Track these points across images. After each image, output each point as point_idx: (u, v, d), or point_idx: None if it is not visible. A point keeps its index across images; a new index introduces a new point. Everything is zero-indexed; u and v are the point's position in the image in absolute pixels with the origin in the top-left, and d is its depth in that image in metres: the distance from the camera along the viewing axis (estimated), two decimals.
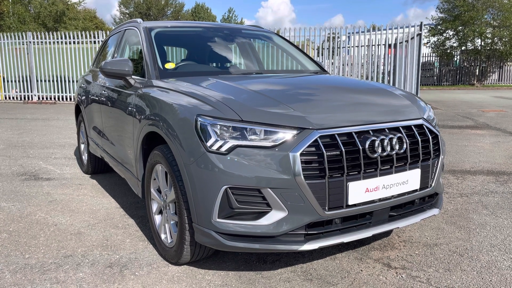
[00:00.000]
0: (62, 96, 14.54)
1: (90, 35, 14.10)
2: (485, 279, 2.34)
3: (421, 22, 12.48)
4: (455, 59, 27.91)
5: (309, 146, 2.03)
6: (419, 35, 12.46)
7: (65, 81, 14.43)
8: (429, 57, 28.14)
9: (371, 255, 2.63)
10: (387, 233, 2.94)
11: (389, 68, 12.90)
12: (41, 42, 14.37)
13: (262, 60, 4.66)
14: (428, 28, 27.08)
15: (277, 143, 2.05)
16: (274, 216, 2.07)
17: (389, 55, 12.81)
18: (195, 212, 2.19)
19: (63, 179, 4.52)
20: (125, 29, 3.97)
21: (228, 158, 2.06)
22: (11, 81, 14.80)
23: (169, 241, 2.55)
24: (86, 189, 4.16)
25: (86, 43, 14.14)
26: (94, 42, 14.07)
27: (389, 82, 12.75)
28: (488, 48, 25.87)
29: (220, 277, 2.38)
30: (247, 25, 4.48)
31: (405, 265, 2.50)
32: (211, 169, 2.08)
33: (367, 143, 2.12)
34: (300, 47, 5.42)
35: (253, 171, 2.03)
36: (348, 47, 13.48)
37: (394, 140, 2.20)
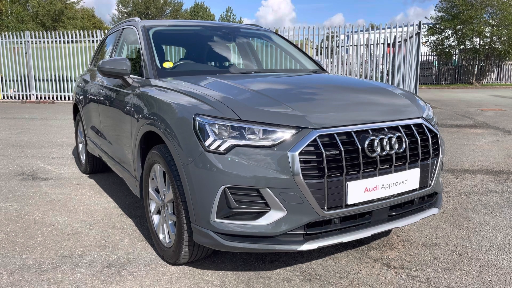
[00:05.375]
0: (60, 96, 14.52)
1: (88, 34, 14.08)
2: (485, 279, 2.33)
3: (420, 21, 12.48)
4: (454, 58, 27.92)
5: (308, 145, 2.02)
6: (418, 34, 12.45)
7: (63, 80, 14.41)
8: (428, 56, 28.14)
9: (370, 255, 2.62)
10: (386, 233, 2.93)
11: (387, 67, 12.90)
12: (39, 41, 14.34)
13: (261, 59, 4.64)
14: (427, 27, 27.08)
15: (275, 143, 2.04)
16: (273, 216, 2.05)
17: (388, 54, 12.81)
18: (193, 212, 2.17)
19: (61, 179, 4.50)
20: (123, 28, 3.95)
21: (227, 157, 2.05)
22: (9, 81, 14.77)
23: (167, 241, 2.54)
24: (84, 189, 4.14)
25: (84, 42, 14.13)
26: (93, 41, 14.06)
27: (387, 81, 12.75)
28: (486, 47, 25.88)
29: (218, 277, 2.37)
30: (245, 24, 4.47)
31: (405, 265, 2.49)
32: (209, 168, 2.07)
33: (366, 142, 2.11)
34: (299, 46, 5.40)
35: (251, 170, 2.02)
36: (347, 46, 13.47)
37: (393, 140, 2.19)
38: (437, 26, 26.92)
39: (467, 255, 2.61)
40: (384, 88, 2.87)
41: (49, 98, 14.63)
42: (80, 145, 4.92)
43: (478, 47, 26.03)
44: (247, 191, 2.04)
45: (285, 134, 2.05)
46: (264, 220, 2.06)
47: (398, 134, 2.23)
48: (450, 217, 3.27)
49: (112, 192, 4.02)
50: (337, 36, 13.14)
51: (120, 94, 3.29)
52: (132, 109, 2.92)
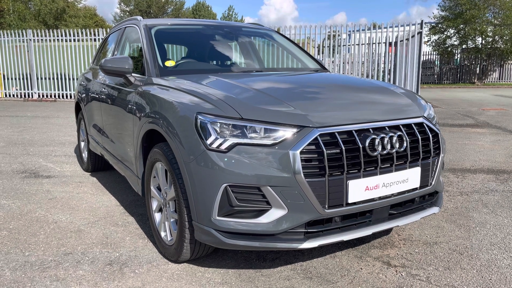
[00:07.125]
0: (63, 94, 14.54)
1: (90, 33, 14.10)
2: (485, 278, 2.34)
3: (422, 20, 12.46)
4: (456, 57, 27.86)
5: (309, 144, 2.03)
6: (420, 33, 12.43)
7: (65, 78, 14.42)
8: (429, 56, 28.09)
9: (371, 253, 2.63)
10: (387, 231, 2.94)
11: (389, 66, 12.89)
12: (42, 39, 14.36)
13: (263, 58, 4.65)
14: (429, 26, 27.02)
15: (277, 141, 2.05)
16: (274, 214, 2.07)
17: (390, 53, 12.79)
18: (195, 210, 2.19)
19: (63, 177, 4.52)
20: (125, 27, 3.96)
21: (228, 156, 2.06)
22: (12, 79, 14.79)
23: (169, 239, 2.55)
24: (86, 187, 4.16)
25: (87, 40, 14.14)
26: (94, 39, 14.07)
27: (389, 80, 12.73)
28: (489, 46, 25.81)
29: (220, 275, 2.38)
30: (247, 23, 4.47)
31: (405, 264, 2.50)
32: (211, 167, 2.08)
33: (367, 141, 2.12)
34: (301, 45, 5.40)
35: (253, 169, 2.03)
36: (348, 45, 13.46)
37: (394, 139, 2.20)
38: (439, 25, 26.86)
39: (468, 254, 2.62)
40: (385, 87, 2.87)
41: (51, 96, 14.65)
42: (82, 143, 4.93)
43: (480, 46, 25.97)
44: (248, 189, 2.05)
45: (286, 133, 2.06)
46: (265, 218, 2.07)
47: (399, 133, 2.24)
48: (451, 216, 3.27)
49: (114, 190, 4.04)
50: (339, 35, 13.13)
51: (122, 93, 3.30)
52: (134, 107, 2.93)
